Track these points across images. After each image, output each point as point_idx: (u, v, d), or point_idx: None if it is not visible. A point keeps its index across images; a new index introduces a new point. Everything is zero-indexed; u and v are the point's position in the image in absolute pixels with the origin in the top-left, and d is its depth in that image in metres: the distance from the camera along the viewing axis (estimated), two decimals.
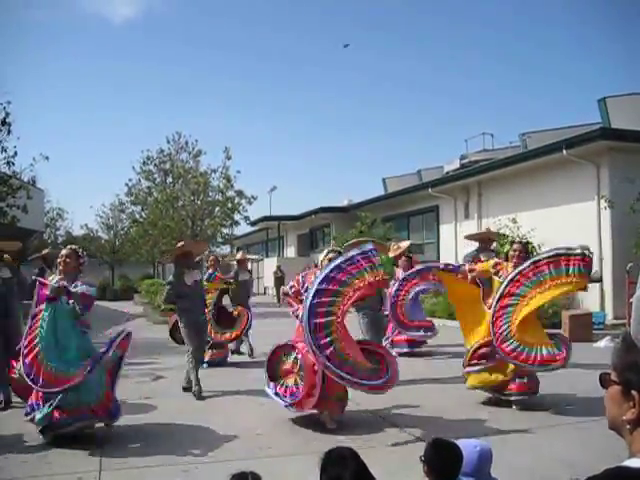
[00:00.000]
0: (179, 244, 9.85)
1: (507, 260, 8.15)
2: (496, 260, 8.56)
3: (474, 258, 10.81)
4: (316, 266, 7.78)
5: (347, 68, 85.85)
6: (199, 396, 8.69)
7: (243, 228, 38.10)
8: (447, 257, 21.49)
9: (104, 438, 6.55)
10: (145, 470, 5.67)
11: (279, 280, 29.37)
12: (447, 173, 27.90)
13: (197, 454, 6.05)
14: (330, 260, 7.22)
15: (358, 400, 7.58)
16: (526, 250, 8.18)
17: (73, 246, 7.27)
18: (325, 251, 7.73)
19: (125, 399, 7.71)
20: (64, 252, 6.99)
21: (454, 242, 23.36)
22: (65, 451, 6.20)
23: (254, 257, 16.13)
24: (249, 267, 14.93)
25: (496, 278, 8.08)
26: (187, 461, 5.86)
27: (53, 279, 6.73)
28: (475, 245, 11.55)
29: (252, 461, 5.60)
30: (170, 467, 5.72)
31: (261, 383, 7.48)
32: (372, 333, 9.43)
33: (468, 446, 3.64)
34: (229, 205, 30.91)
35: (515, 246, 8.10)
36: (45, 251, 12.08)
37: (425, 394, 8.56)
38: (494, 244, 11.51)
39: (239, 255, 13.90)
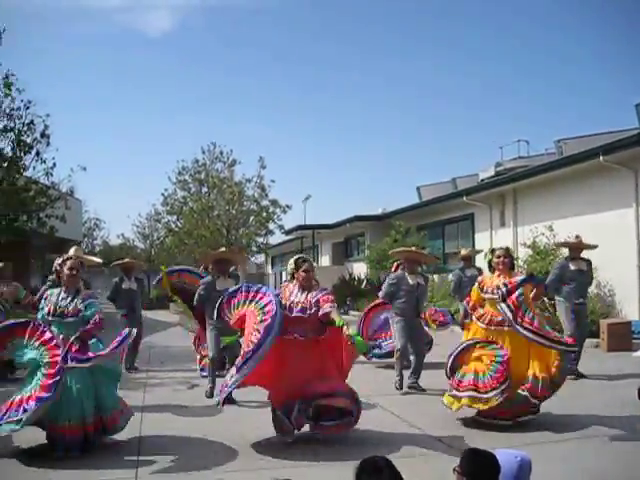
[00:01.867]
0: (221, 249, 9.90)
1: (490, 269, 7.74)
2: (478, 280, 8.02)
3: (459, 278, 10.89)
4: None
5: (382, 77, 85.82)
6: (210, 394, 8.94)
7: (278, 237, 38.19)
8: (483, 264, 21.27)
9: (141, 444, 6.58)
10: (181, 477, 5.68)
11: None
12: (482, 181, 27.66)
13: (232, 462, 6.05)
14: (297, 270, 7.05)
15: (393, 410, 7.53)
16: (510, 255, 7.69)
17: (75, 255, 7.28)
18: (292, 260, 7.25)
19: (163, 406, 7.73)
20: (71, 264, 6.74)
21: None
22: (102, 457, 6.24)
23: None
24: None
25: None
26: (222, 469, 5.87)
27: (59, 296, 6.64)
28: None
29: (286, 470, 5.59)
30: (205, 473, 5.73)
31: None
32: (404, 340, 9.44)
33: (507, 456, 3.51)
34: (264, 214, 31.03)
35: (498, 252, 7.60)
36: (125, 260, 12.20)
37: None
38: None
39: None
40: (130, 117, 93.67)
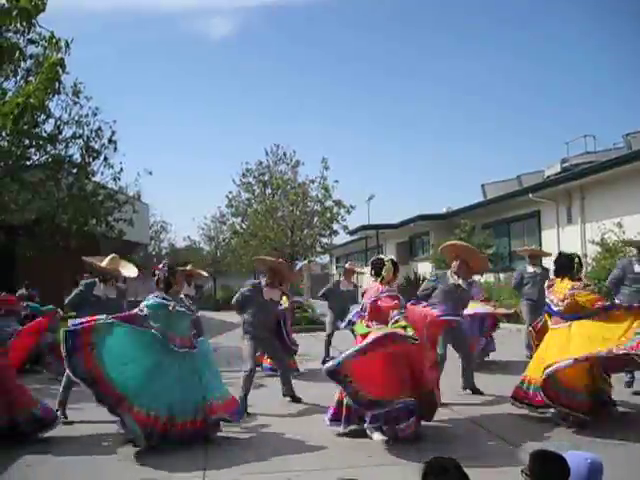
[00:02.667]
0: (279, 260, 9.91)
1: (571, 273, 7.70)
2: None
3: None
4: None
5: (444, 76, 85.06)
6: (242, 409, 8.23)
7: (342, 237, 38.19)
8: (550, 263, 20.89)
9: (207, 444, 6.66)
10: (247, 478, 5.73)
11: None
12: (548, 177, 27.22)
13: (297, 463, 6.08)
14: (395, 272, 7.23)
15: (457, 408, 7.47)
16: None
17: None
18: (388, 262, 7.32)
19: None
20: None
21: (557, 248, 22.74)
22: (170, 455, 6.36)
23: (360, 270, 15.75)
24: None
25: None
26: (287, 469, 5.90)
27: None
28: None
29: (352, 470, 5.60)
30: (271, 475, 5.77)
31: None
32: (443, 347, 8.94)
33: (577, 458, 3.40)
34: (328, 215, 31.08)
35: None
36: (189, 267, 12.41)
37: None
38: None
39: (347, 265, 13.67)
40: (194, 120, 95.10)
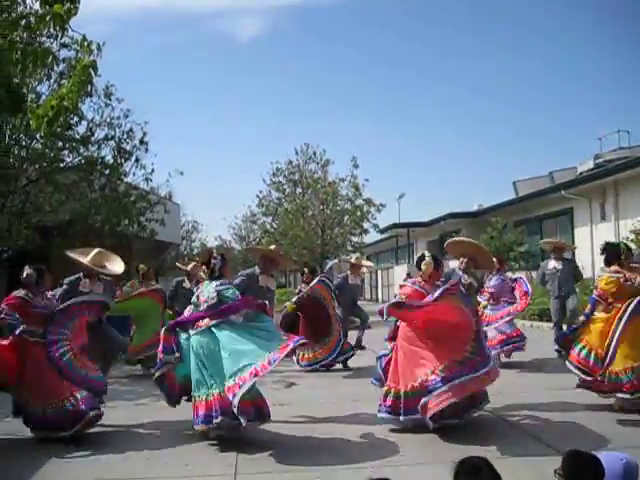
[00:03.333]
0: (271, 246, 9.95)
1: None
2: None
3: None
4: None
5: (474, 73, 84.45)
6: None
7: (372, 236, 38.17)
8: (584, 259, 20.58)
9: (239, 441, 6.69)
10: (279, 476, 5.75)
11: None
12: (580, 174, 26.98)
13: (330, 461, 6.07)
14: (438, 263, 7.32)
15: (489, 407, 7.43)
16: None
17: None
18: (425, 258, 7.43)
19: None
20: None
21: (590, 245, 22.48)
22: (202, 453, 6.41)
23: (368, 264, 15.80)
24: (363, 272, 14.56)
25: None
26: (321, 467, 5.90)
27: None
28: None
29: (384, 469, 5.59)
30: (304, 473, 5.78)
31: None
32: None
33: (611, 459, 3.32)
34: (358, 213, 31.10)
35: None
36: (190, 266, 12.50)
37: (559, 402, 8.23)
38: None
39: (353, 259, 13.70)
40: (224, 120, 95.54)
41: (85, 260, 8.17)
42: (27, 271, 7.22)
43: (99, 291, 8.28)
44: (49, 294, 7.49)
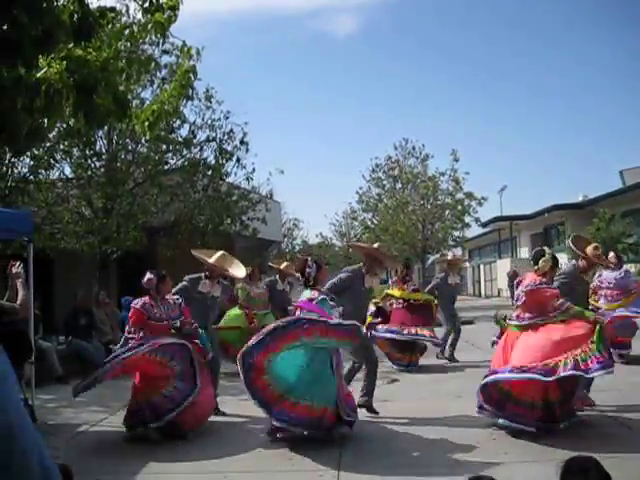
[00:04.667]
0: (377, 245, 9.30)
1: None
2: None
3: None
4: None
5: (574, 59, 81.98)
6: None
7: (474, 230, 37.67)
8: None
9: (344, 437, 6.73)
10: (383, 471, 5.76)
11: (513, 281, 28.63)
12: None
13: (432, 458, 6.07)
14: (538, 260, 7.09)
15: (603, 408, 7.23)
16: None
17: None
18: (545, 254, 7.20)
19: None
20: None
21: None
22: (306, 448, 6.45)
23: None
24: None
25: None
26: (424, 464, 5.90)
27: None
28: None
29: (489, 467, 5.52)
30: (401, 469, 5.78)
31: None
32: None
33: None
34: (459, 207, 30.79)
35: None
36: (283, 265, 12.57)
37: None
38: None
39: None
40: (322, 118, 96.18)
41: (210, 260, 8.29)
42: (148, 276, 7.44)
43: (217, 293, 8.39)
44: (169, 298, 7.64)
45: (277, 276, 12.57)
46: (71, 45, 6.31)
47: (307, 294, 7.01)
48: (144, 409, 7.04)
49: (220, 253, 8.39)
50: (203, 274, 8.29)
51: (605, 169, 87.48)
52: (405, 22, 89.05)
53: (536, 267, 7.14)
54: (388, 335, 11.14)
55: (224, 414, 8.04)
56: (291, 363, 6.67)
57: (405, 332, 11.18)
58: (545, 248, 7.47)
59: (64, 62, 6.16)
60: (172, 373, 7.13)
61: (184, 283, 8.34)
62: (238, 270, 8.45)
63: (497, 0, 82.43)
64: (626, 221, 24.90)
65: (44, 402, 9.11)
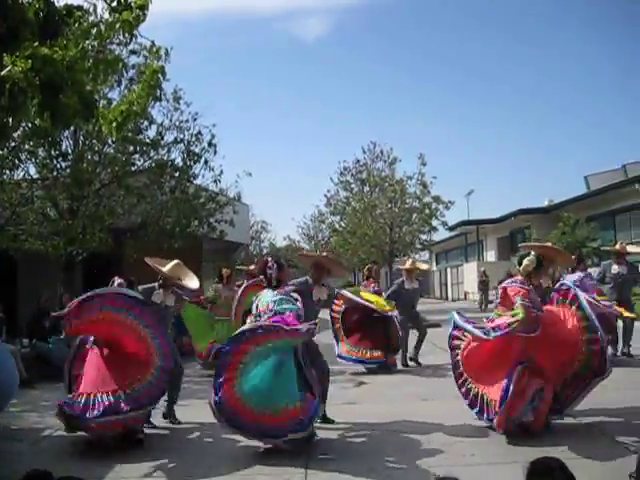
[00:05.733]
0: (325, 253, 9.67)
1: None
2: None
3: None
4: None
5: (538, 67, 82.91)
6: None
7: (441, 234, 37.90)
8: None
9: (308, 439, 6.71)
10: (350, 473, 5.74)
11: (484, 284, 28.87)
12: None
13: (399, 460, 6.06)
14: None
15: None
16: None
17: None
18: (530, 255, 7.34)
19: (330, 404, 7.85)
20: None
21: None
22: (273, 452, 6.42)
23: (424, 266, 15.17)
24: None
25: None
26: (389, 467, 5.91)
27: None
28: None
29: (455, 468, 5.52)
30: (373, 472, 5.77)
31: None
32: None
33: None
34: (426, 211, 30.96)
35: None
36: (252, 267, 12.52)
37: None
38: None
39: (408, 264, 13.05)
40: (291, 121, 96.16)
41: (164, 269, 8.07)
42: (117, 281, 7.38)
43: (171, 303, 8.18)
44: None
45: (246, 279, 12.40)
46: (36, 43, 6.20)
47: (269, 295, 6.79)
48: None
49: (174, 262, 8.12)
50: (157, 283, 8.06)
51: (570, 174, 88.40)
52: (375, 25, 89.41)
53: (519, 267, 7.22)
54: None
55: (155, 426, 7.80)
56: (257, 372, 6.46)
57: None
58: (532, 251, 7.45)
59: (29, 61, 6.04)
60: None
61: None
62: (191, 281, 8.20)
63: None
64: (591, 225, 25.21)
65: (7, 406, 8.96)
